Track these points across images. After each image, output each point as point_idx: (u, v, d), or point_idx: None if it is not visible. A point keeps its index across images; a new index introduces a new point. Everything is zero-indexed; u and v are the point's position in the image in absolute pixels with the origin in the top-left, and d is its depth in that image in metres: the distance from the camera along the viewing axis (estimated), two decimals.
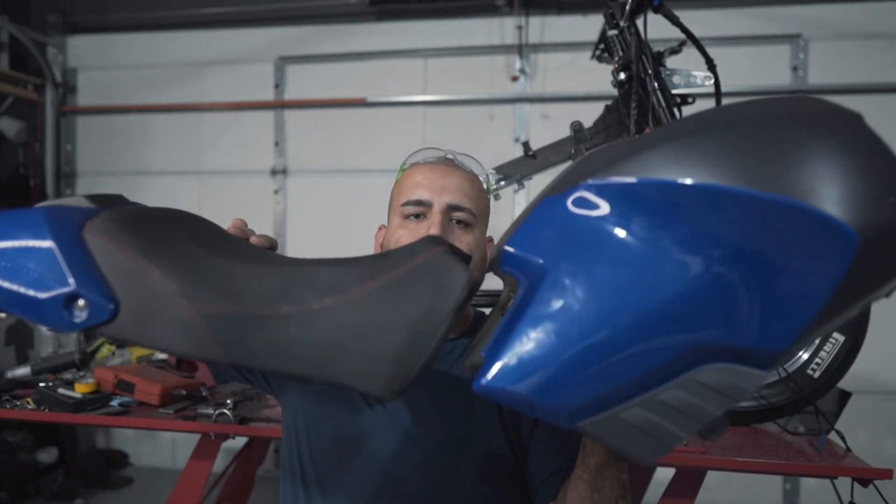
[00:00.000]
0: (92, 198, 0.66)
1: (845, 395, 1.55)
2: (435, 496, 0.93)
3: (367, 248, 1.17)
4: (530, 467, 0.96)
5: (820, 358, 1.48)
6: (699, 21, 1.74)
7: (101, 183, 3.80)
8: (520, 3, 3.17)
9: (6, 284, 0.57)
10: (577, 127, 1.76)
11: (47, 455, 3.20)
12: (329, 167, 3.50)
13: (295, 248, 3.54)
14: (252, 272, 0.59)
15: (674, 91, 1.64)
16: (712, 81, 1.66)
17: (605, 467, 0.73)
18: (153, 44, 3.69)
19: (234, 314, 0.56)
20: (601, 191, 0.53)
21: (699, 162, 0.51)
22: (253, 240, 0.74)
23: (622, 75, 1.64)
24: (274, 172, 3.55)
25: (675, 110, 1.62)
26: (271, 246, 0.75)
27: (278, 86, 3.55)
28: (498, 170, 1.79)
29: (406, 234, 0.99)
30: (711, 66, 1.64)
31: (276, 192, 3.56)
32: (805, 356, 1.50)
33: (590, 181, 0.54)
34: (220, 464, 1.87)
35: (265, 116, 3.57)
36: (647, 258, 0.50)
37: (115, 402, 1.66)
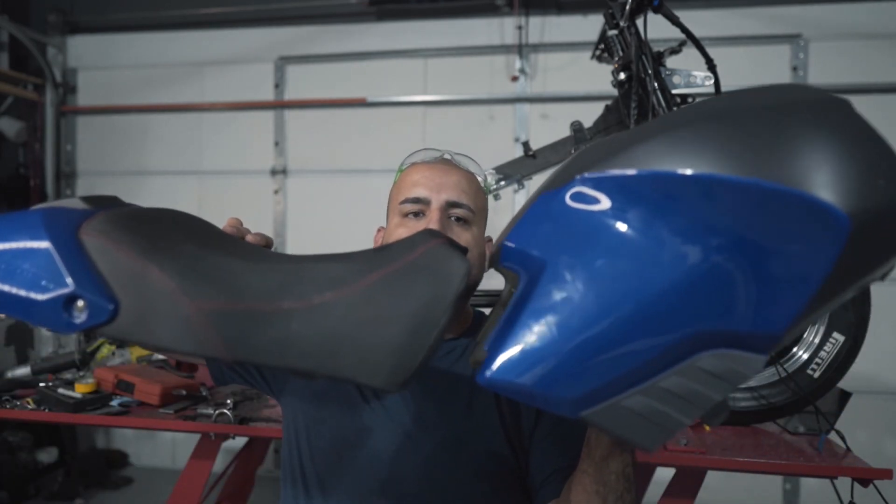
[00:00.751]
0: (87, 199, 0.66)
1: (845, 395, 1.55)
2: (435, 495, 0.93)
3: (366, 248, 1.17)
4: (531, 466, 0.96)
5: (820, 358, 1.48)
6: (699, 21, 1.73)
7: (101, 183, 3.80)
8: (520, 3, 3.17)
9: (4, 287, 0.57)
10: (577, 127, 1.76)
11: (47, 455, 3.20)
12: (329, 167, 3.50)
13: (295, 247, 3.54)
14: (252, 269, 0.59)
15: (674, 91, 1.64)
16: (712, 81, 1.66)
17: (609, 460, 0.73)
18: (153, 44, 3.69)
19: (235, 311, 0.56)
20: (597, 184, 0.54)
21: (692, 152, 0.52)
22: (249, 238, 0.74)
23: (622, 75, 1.64)
24: (274, 172, 3.56)
25: (675, 110, 1.62)
26: (267, 244, 0.75)
27: (278, 86, 3.55)
28: (498, 170, 1.79)
29: (405, 233, 0.99)
30: (711, 66, 1.64)
31: (276, 192, 3.56)
32: (805, 356, 1.50)
33: (586, 175, 0.55)
34: (220, 464, 1.87)
35: (265, 116, 3.57)
36: (645, 248, 0.51)
37: (115, 402, 1.66)
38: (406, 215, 1.02)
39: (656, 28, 1.64)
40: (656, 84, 1.59)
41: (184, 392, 1.69)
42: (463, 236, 1.00)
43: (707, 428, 1.47)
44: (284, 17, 3.53)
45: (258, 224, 3.53)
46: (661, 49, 1.66)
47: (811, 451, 1.43)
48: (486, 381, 0.52)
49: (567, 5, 3.23)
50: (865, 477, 1.33)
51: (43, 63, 3.61)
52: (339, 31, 3.48)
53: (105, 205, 0.66)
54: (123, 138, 3.74)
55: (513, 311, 0.54)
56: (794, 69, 3.06)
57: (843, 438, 1.47)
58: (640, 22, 1.63)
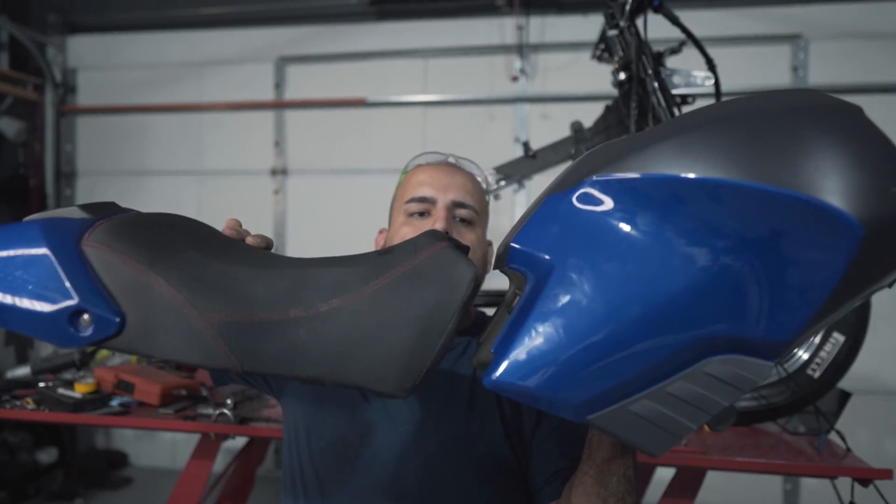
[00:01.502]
0: (86, 207, 0.65)
1: (845, 395, 1.55)
2: (435, 496, 0.93)
3: (366, 248, 1.17)
4: (532, 467, 0.96)
5: (820, 358, 1.48)
6: (699, 21, 1.74)
7: (101, 183, 3.80)
8: (520, 3, 3.17)
9: (7, 302, 0.56)
10: (577, 127, 1.76)
11: (47, 455, 3.20)
12: (329, 167, 3.50)
13: (295, 248, 3.54)
14: (257, 276, 0.59)
15: (674, 91, 1.64)
16: (712, 81, 1.66)
17: (611, 462, 0.73)
18: (153, 44, 3.69)
19: (243, 322, 0.56)
20: (605, 187, 0.53)
21: (702, 156, 0.51)
22: (249, 240, 0.74)
23: (622, 75, 1.64)
24: (274, 172, 3.55)
25: (675, 110, 1.62)
26: (267, 246, 0.75)
27: (278, 86, 3.55)
28: (498, 170, 1.79)
29: (410, 232, 1.00)
30: (711, 66, 1.64)
31: (276, 192, 3.56)
32: (805, 356, 1.50)
33: (594, 177, 0.54)
34: (220, 464, 1.87)
35: (265, 116, 3.57)
36: (654, 253, 0.51)
37: (114, 402, 1.66)
38: (412, 214, 1.02)
39: (656, 28, 1.64)
40: (656, 84, 1.59)
41: (184, 392, 1.69)
42: (467, 237, 1.01)
43: (707, 428, 1.47)
44: (284, 17, 3.53)
45: (258, 224, 3.54)
46: (661, 49, 1.67)
47: (811, 451, 1.43)
48: (492, 384, 0.52)
49: (567, 5, 3.23)
50: (865, 477, 1.33)
51: (43, 63, 3.61)
52: (339, 31, 3.48)
53: (104, 212, 0.65)
54: (123, 138, 3.74)
55: (519, 314, 0.54)
56: (794, 69, 3.06)
57: (843, 438, 1.47)
58: (640, 22, 1.63)
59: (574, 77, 3.20)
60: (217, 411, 1.56)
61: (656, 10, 1.60)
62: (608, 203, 0.53)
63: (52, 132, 3.72)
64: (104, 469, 3.39)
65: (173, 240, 0.62)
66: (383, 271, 0.58)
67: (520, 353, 0.52)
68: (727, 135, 0.52)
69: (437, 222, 0.98)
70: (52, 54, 3.71)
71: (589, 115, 1.80)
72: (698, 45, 1.63)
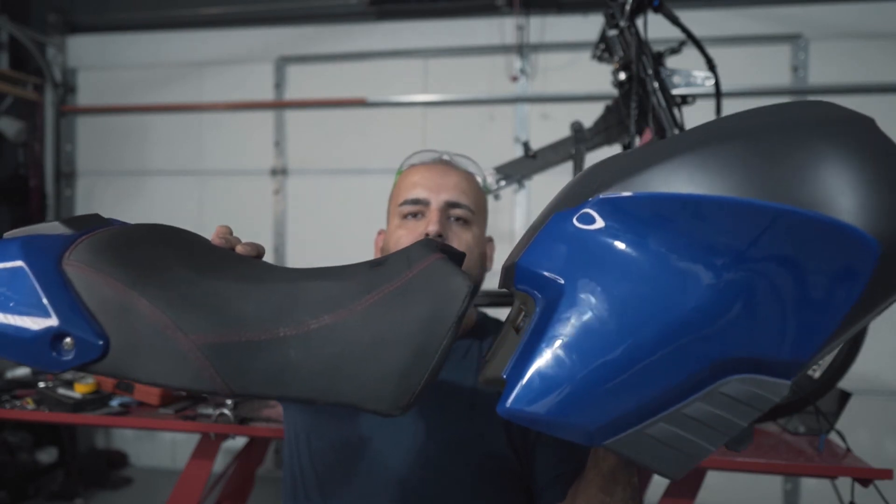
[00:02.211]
0: (67, 222, 0.61)
1: (845, 395, 1.55)
2: (437, 497, 0.92)
3: (366, 248, 1.17)
4: (535, 469, 0.96)
5: None
6: (699, 21, 1.74)
7: (101, 183, 3.80)
8: (520, 3, 3.17)
9: None
10: (577, 127, 1.76)
11: (47, 455, 3.20)
12: (329, 167, 3.50)
13: (295, 247, 3.54)
14: (246, 293, 0.57)
15: (674, 91, 1.64)
16: (712, 81, 1.66)
17: (617, 471, 0.72)
18: (153, 44, 3.69)
19: (231, 342, 0.54)
20: (613, 206, 0.52)
21: (715, 174, 0.50)
22: (239, 248, 0.72)
23: (622, 75, 1.64)
24: (274, 172, 3.55)
25: (675, 110, 1.62)
26: (258, 254, 0.73)
27: (278, 86, 3.55)
28: (498, 170, 1.79)
29: (405, 234, 0.99)
30: (711, 66, 1.64)
31: (276, 192, 3.56)
32: None
33: (601, 196, 0.53)
34: (220, 464, 1.87)
35: (265, 116, 3.57)
36: (667, 274, 0.50)
37: (114, 402, 1.66)
38: (406, 217, 1.02)
39: (656, 28, 1.64)
40: (656, 84, 1.59)
41: (184, 392, 1.69)
42: (463, 237, 1.00)
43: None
44: (284, 17, 3.53)
45: (258, 224, 3.54)
46: (661, 49, 1.66)
47: (811, 451, 1.43)
48: (506, 413, 0.51)
49: (567, 5, 3.23)
50: (865, 477, 1.33)
51: (43, 63, 3.61)
52: (339, 31, 3.48)
53: (87, 226, 0.62)
54: (123, 138, 3.74)
55: (531, 338, 0.52)
56: (794, 69, 3.06)
57: (843, 438, 1.47)
58: (640, 22, 1.63)
59: (574, 77, 3.20)
60: (217, 411, 1.56)
61: (656, 10, 1.60)
62: (616, 223, 0.52)
63: (52, 132, 3.72)
64: (104, 469, 3.39)
65: (159, 256, 0.60)
66: (376, 286, 0.57)
67: (533, 379, 0.51)
68: (739, 151, 0.51)
69: (430, 224, 0.98)
70: (52, 54, 3.71)
71: (589, 115, 1.80)
72: (698, 45, 1.63)
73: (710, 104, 1.69)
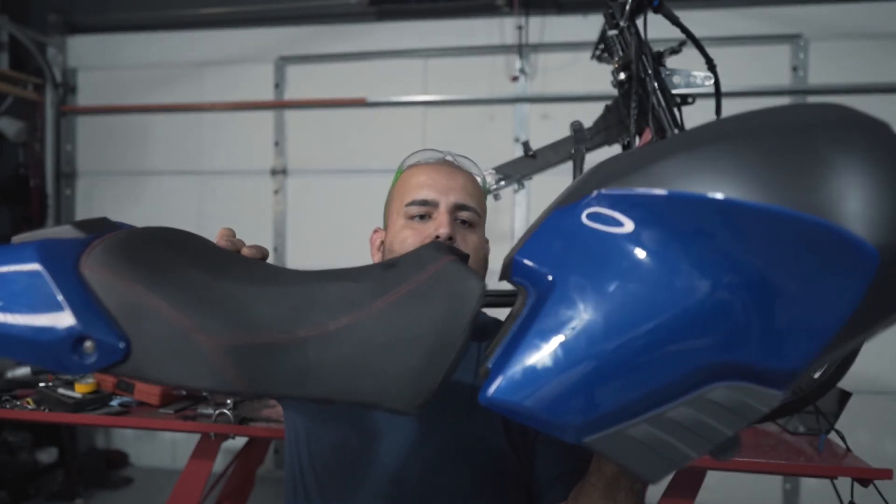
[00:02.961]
0: (79, 225, 0.62)
1: (845, 395, 1.55)
2: (436, 498, 0.92)
3: (367, 247, 1.17)
4: (535, 470, 0.96)
5: None
6: (699, 21, 1.74)
7: (101, 183, 3.80)
8: (520, 3, 3.17)
9: (6, 331, 0.54)
10: (577, 127, 1.76)
11: (47, 455, 3.20)
12: (329, 167, 3.50)
13: (295, 247, 3.54)
14: (262, 294, 0.58)
15: (674, 91, 1.64)
16: (712, 81, 1.66)
17: (620, 476, 0.72)
18: (153, 44, 3.69)
19: (252, 344, 0.55)
20: (614, 202, 0.52)
21: (717, 174, 0.49)
22: (245, 251, 0.72)
23: (622, 75, 1.64)
24: (274, 172, 3.55)
25: (675, 110, 1.62)
26: (263, 256, 0.72)
27: (278, 86, 3.55)
28: (498, 170, 1.79)
29: (412, 235, 0.99)
30: (711, 66, 1.64)
31: (276, 192, 3.56)
32: None
33: (603, 191, 0.53)
34: (220, 464, 1.87)
35: (265, 116, 3.57)
36: (659, 274, 0.49)
37: (114, 402, 1.66)
38: (412, 217, 1.01)
39: (656, 28, 1.64)
40: (656, 84, 1.59)
41: (184, 392, 1.69)
42: (469, 239, 1.00)
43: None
44: (284, 17, 3.53)
45: (258, 224, 3.54)
46: (661, 49, 1.66)
47: (811, 451, 1.43)
48: (486, 401, 0.51)
49: (567, 5, 3.23)
50: (865, 477, 1.33)
51: (43, 63, 3.61)
52: (339, 31, 3.48)
53: (97, 229, 0.63)
54: (123, 138, 3.74)
55: (519, 330, 0.53)
56: (794, 69, 3.06)
57: (843, 438, 1.47)
58: (640, 22, 1.63)
59: (574, 77, 3.20)
60: (217, 411, 1.56)
61: (656, 10, 1.60)
62: (615, 219, 0.52)
63: (52, 132, 3.72)
64: (104, 469, 3.39)
65: (173, 258, 0.61)
66: (391, 287, 0.58)
67: (516, 370, 0.50)
68: (742, 151, 0.49)
69: (440, 227, 0.97)
70: (52, 54, 3.71)
71: (589, 115, 1.80)
72: (698, 45, 1.63)
73: (710, 104, 1.69)
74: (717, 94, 1.67)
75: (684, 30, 1.60)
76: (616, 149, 1.78)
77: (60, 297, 0.54)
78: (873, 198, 0.46)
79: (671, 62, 1.68)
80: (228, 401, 1.61)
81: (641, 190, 0.51)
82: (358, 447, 0.96)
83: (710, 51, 1.64)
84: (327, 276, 0.61)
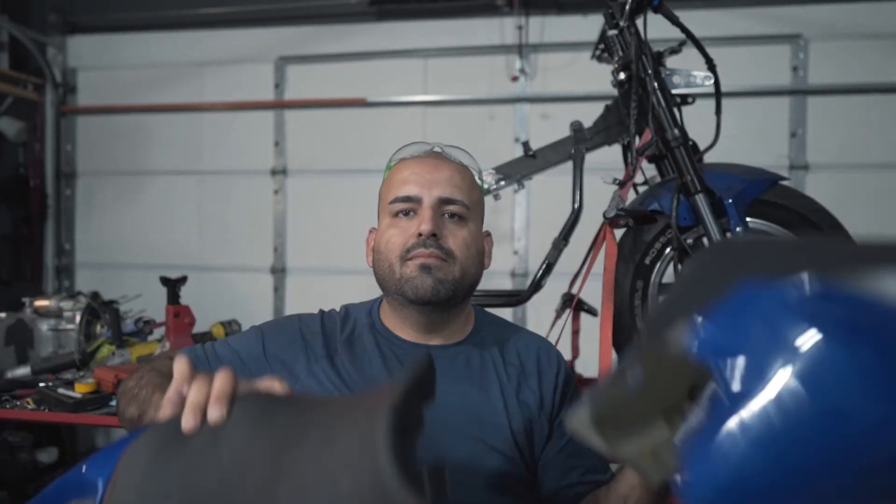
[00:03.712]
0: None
1: None
2: None
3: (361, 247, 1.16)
4: (544, 479, 0.98)
5: None
6: (699, 21, 1.73)
7: (101, 183, 3.80)
8: (520, 3, 3.16)
9: None
10: (577, 127, 1.76)
11: (47, 455, 3.19)
12: (329, 167, 3.50)
13: (295, 248, 3.54)
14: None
15: (674, 91, 1.64)
16: (712, 81, 1.66)
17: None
18: (153, 44, 3.69)
19: None
20: (837, 301, 0.44)
21: None
22: (263, 386, 0.64)
23: (622, 75, 1.64)
24: (274, 172, 3.55)
25: (675, 110, 1.62)
26: (274, 390, 0.64)
27: (278, 86, 3.55)
28: (498, 170, 1.79)
29: (397, 234, 0.98)
30: (711, 66, 1.64)
31: (276, 192, 3.56)
32: None
33: (831, 284, 0.44)
34: None
35: (265, 116, 3.57)
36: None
37: (114, 402, 1.66)
38: (396, 215, 0.99)
39: (656, 28, 1.64)
40: (656, 84, 1.59)
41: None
42: (458, 234, 0.98)
43: None
44: (284, 17, 3.53)
45: (258, 224, 3.54)
46: (661, 49, 1.66)
47: None
48: (693, 499, 0.46)
49: (567, 5, 3.23)
50: None
51: (43, 63, 3.61)
52: (339, 31, 3.47)
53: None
54: (123, 138, 3.74)
55: (716, 421, 0.46)
56: (794, 69, 3.06)
57: None
58: (640, 22, 1.63)
59: (574, 77, 3.20)
60: None
61: (656, 10, 1.60)
62: (838, 317, 0.44)
63: (52, 132, 3.71)
64: None
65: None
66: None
67: (722, 471, 0.45)
68: None
69: (423, 223, 0.95)
70: (52, 54, 3.71)
71: (589, 115, 1.80)
72: (698, 45, 1.63)
73: (710, 104, 1.69)
74: (717, 94, 1.67)
75: (684, 30, 1.60)
76: (616, 149, 1.78)
77: None
78: None
79: (671, 62, 1.68)
80: None
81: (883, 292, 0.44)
82: None
83: (710, 51, 1.64)
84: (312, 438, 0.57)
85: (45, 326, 2.11)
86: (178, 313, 1.95)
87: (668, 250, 1.62)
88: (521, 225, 3.28)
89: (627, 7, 1.59)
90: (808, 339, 0.43)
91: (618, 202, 1.48)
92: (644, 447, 0.58)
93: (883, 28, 2.97)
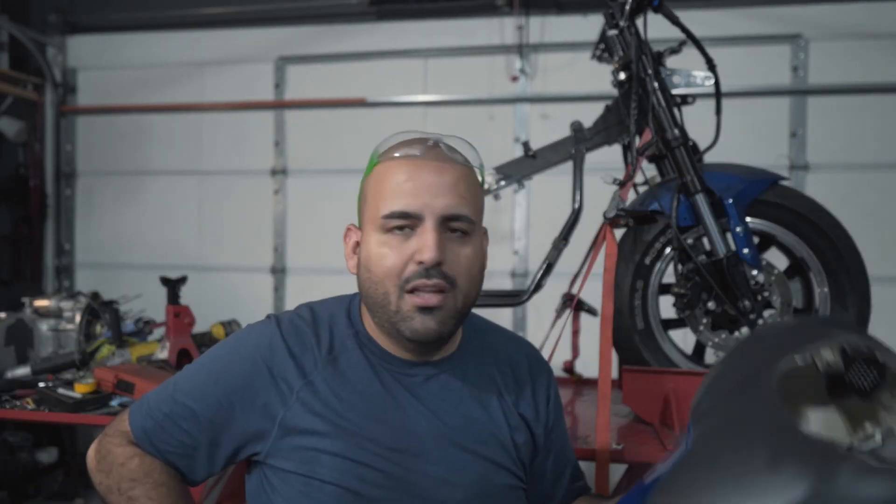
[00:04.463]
0: None
1: None
2: None
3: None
4: (539, 490, 0.99)
5: None
6: (699, 21, 1.73)
7: (101, 183, 3.80)
8: (520, 3, 3.17)
9: None
10: (577, 127, 1.76)
11: (47, 455, 3.19)
12: (329, 167, 3.50)
13: (295, 248, 3.54)
14: None
15: (674, 91, 1.64)
16: (712, 81, 1.66)
17: None
18: (153, 44, 3.69)
19: None
20: None
21: None
22: None
23: (622, 75, 1.64)
24: (274, 172, 3.55)
25: (675, 110, 1.62)
26: None
27: (278, 86, 3.55)
28: (498, 170, 1.79)
29: (392, 255, 0.84)
30: (711, 66, 1.64)
31: (276, 192, 3.56)
32: None
33: None
34: None
35: (265, 116, 3.57)
36: None
37: (115, 402, 1.66)
38: (390, 230, 0.84)
39: (656, 28, 1.64)
40: (656, 84, 1.59)
41: None
42: (462, 253, 0.86)
43: None
44: (284, 17, 3.53)
45: (258, 224, 3.54)
46: (661, 49, 1.66)
47: None
48: None
49: (567, 5, 3.23)
50: None
51: (43, 63, 3.61)
52: (339, 31, 3.47)
53: None
54: (123, 138, 3.74)
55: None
56: (794, 69, 3.06)
57: None
58: (640, 22, 1.63)
59: (574, 77, 3.20)
60: None
61: (656, 10, 1.60)
62: None
63: (52, 132, 3.72)
64: None
65: None
66: None
67: None
68: None
69: (426, 251, 0.81)
70: (52, 54, 3.71)
71: (589, 115, 1.80)
72: (698, 45, 1.63)
73: (710, 104, 1.69)
74: (717, 94, 1.67)
75: (684, 30, 1.60)
76: (616, 149, 1.77)
77: None
78: None
79: (671, 62, 1.68)
80: None
81: None
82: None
83: (710, 51, 1.64)
84: None
85: (45, 326, 2.11)
86: (178, 313, 1.95)
87: (668, 250, 1.62)
88: (521, 225, 3.28)
89: (627, 7, 1.59)
90: None
91: (618, 202, 1.48)
92: None
93: (883, 28, 2.97)
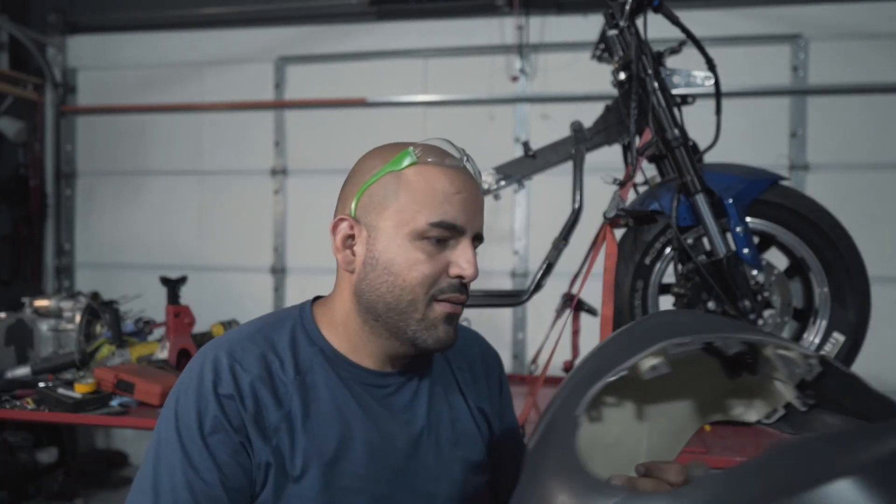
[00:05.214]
0: None
1: None
2: None
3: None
4: (499, 479, 1.00)
5: None
6: (699, 21, 1.74)
7: (101, 183, 3.80)
8: (520, 3, 3.17)
9: None
10: (577, 127, 1.76)
11: (47, 455, 3.19)
12: (329, 167, 3.50)
13: (295, 248, 3.54)
14: None
15: (674, 91, 1.64)
16: (712, 81, 1.66)
17: None
18: (153, 44, 3.69)
19: None
20: None
21: None
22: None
23: (622, 75, 1.64)
24: (274, 172, 3.55)
25: (675, 110, 1.62)
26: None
27: (278, 86, 3.55)
28: (498, 170, 1.79)
29: (428, 264, 0.82)
30: (711, 66, 1.64)
31: (276, 192, 3.56)
32: None
33: None
34: None
35: (265, 116, 3.57)
36: None
37: (114, 402, 1.66)
38: (429, 239, 0.82)
39: (656, 28, 1.64)
40: (656, 84, 1.59)
41: None
42: (474, 263, 0.87)
43: (707, 428, 1.47)
44: (284, 17, 3.53)
45: (258, 224, 3.54)
46: (661, 49, 1.66)
47: None
48: None
49: (567, 5, 3.23)
50: None
51: (43, 63, 3.61)
52: (339, 31, 3.48)
53: None
54: (123, 138, 3.74)
55: None
56: (794, 69, 3.06)
57: None
58: (640, 22, 1.63)
59: (574, 77, 3.20)
60: None
61: (656, 10, 1.60)
62: None
63: (52, 132, 3.72)
64: (104, 469, 3.39)
65: None
66: None
67: None
68: None
69: (466, 266, 0.82)
70: (52, 54, 3.71)
71: (589, 115, 1.80)
72: (698, 45, 1.63)
73: (710, 104, 1.69)
74: (717, 94, 1.67)
75: (684, 30, 1.60)
76: (616, 149, 1.78)
77: None
78: None
79: (671, 62, 1.68)
80: None
81: None
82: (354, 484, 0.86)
83: (710, 51, 1.64)
84: None
85: (45, 326, 2.11)
86: (178, 313, 1.95)
87: (668, 250, 1.62)
88: (521, 225, 3.28)
89: (627, 7, 1.59)
90: None
91: (618, 202, 1.48)
92: None
93: (883, 28, 2.98)
